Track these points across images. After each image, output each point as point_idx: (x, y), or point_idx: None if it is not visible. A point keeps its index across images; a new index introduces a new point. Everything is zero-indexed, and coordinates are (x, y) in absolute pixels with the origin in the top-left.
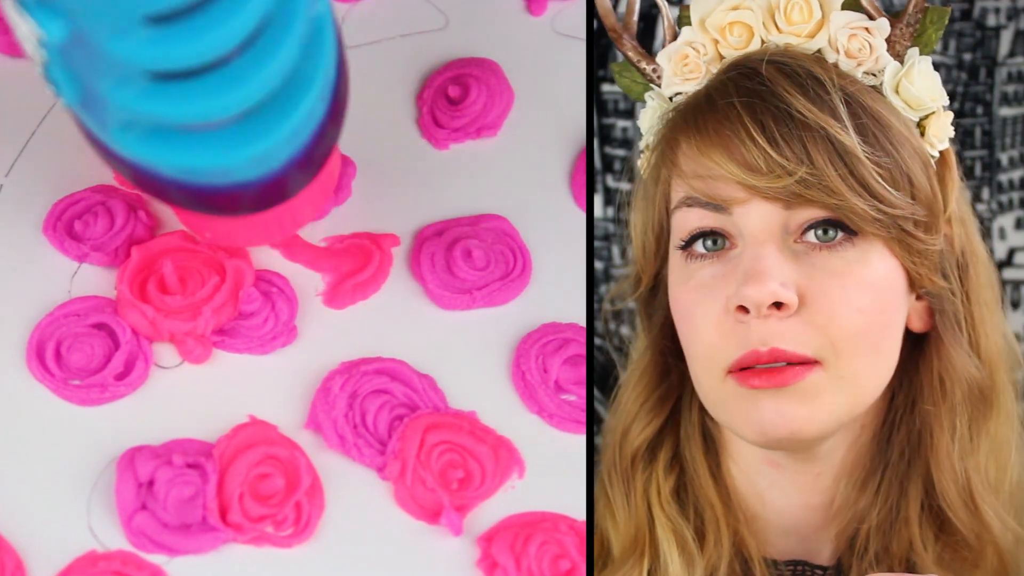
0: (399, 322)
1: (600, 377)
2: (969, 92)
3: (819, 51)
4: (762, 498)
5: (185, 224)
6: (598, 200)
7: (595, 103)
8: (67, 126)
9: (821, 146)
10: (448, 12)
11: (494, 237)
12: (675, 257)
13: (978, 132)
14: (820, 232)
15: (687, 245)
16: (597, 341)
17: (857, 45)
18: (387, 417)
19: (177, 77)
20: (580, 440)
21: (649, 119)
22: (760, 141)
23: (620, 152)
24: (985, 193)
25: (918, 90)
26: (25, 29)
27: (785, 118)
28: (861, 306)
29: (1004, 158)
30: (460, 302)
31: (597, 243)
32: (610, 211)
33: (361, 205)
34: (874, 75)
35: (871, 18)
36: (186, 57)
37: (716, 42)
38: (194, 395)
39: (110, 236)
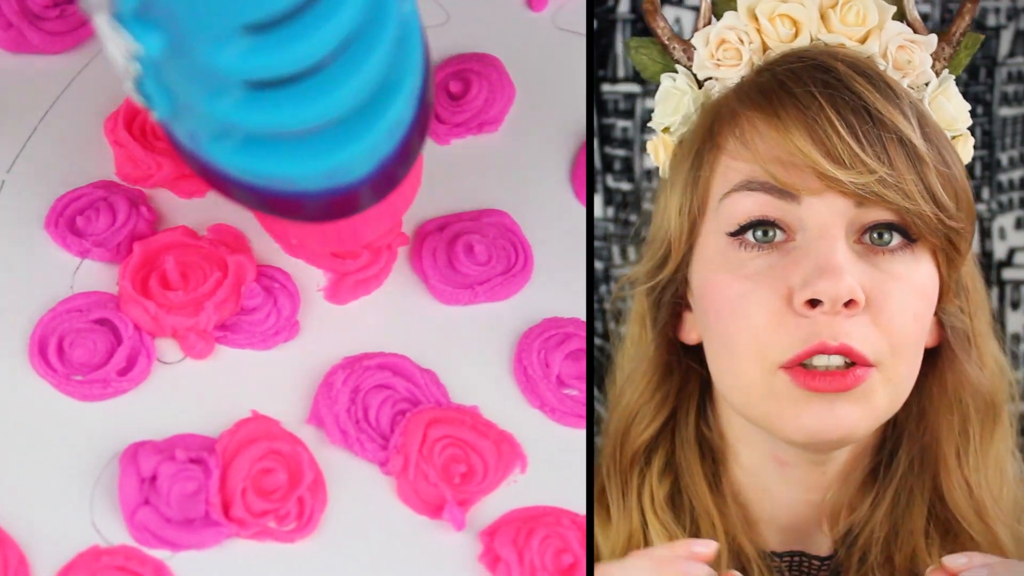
0: (401, 317)
1: (601, 374)
2: (969, 92)
3: (870, 57)
4: (768, 495)
5: (271, 232)
6: (598, 200)
7: (595, 103)
8: (68, 122)
9: (899, 148)
10: (449, 7)
11: (496, 232)
12: (718, 243)
13: (978, 132)
14: (876, 235)
15: (739, 232)
16: (598, 341)
17: (906, 57)
18: (389, 412)
19: (273, 85)
20: (582, 434)
21: (675, 101)
22: (845, 135)
23: (620, 152)
24: (985, 193)
25: (954, 108)
26: (119, 43)
27: (864, 115)
28: (916, 312)
29: (1004, 158)
30: (462, 297)
31: (597, 243)
32: (610, 211)
33: None
34: (914, 89)
35: (915, 33)
36: (283, 65)
37: (760, 30)
38: (196, 390)
39: (112, 232)
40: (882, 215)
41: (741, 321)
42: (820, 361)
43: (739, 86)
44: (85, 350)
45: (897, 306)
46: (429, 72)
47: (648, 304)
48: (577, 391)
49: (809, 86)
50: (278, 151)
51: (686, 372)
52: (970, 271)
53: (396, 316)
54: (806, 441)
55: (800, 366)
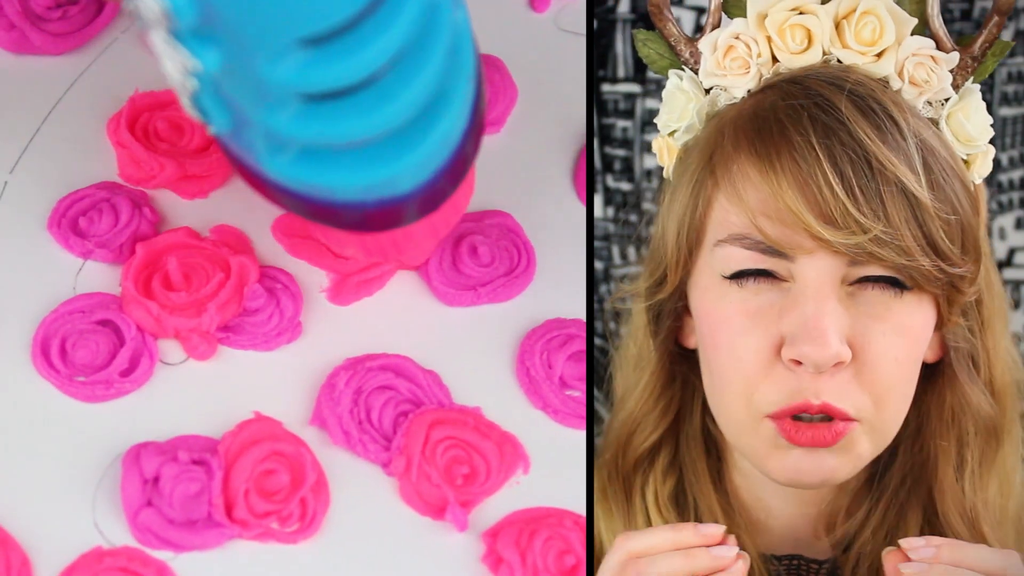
0: (404, 318)
1: (601, 375)
2: None
3: (884, 77)
4: (764, 505)
5: (329, 241)
6: (598, 200)
7: (595, 103)
8: (71, 123)
9: (898, 201)
10: None
11: (499, 233)
12: (713, 278)
13: None
14: (872, 281)
15: (734, 277)
16: (598, 341)
17: (923, 75)
18: (392, 413)
19: (330, 97)
20: (584, 435)
21: (680, 107)
22: (838, 191)
23: (620, 152)
24: (985, 193)
25: (972, 127)
26: (176, 60)
27: (864, 166)
28: (899, 357)
29: (1004, 158)
30: (465, 298)
31: (597, 243)
32: (610, 211)
33: None
34: (931, 104)
35: (939, 48)
36: (340, 77)
37: (770, 41)
38: (199, 391)
39: (115, 233)
40: (876, 270)
41: (732, 361)
42: (804, 415)
43: (739, 114)
44: (88, 351)
45: (882, 355)
46: (481, 80)
47: (648, 317)
48: (579, 392)
49: (808, 133)
50: (334, 162)
51: (687, 375)
52: (990, 283)
53: (399, 317)
54: (788, 484)
55: (785, 415)
